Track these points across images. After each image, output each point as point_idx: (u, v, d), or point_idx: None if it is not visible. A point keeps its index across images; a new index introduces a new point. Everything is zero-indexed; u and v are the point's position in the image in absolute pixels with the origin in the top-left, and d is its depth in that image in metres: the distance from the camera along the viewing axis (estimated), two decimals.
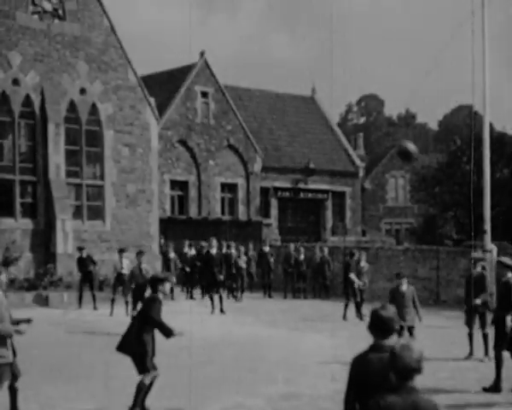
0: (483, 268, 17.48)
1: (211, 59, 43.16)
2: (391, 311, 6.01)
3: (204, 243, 29.22)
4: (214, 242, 25.49)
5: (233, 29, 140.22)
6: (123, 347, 11.21)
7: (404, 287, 16.54)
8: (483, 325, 16.38)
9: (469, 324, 16.60)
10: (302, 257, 31.84)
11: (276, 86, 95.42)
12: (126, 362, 10.91)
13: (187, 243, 32.49)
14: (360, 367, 5.92)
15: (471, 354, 16.52)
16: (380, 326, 5.95)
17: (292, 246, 32.76)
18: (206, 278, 25.62)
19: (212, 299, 24.40)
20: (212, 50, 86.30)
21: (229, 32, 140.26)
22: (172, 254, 30.47)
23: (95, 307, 25.10)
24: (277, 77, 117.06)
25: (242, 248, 31.26)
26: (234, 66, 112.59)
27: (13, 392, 10.55)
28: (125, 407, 11.10)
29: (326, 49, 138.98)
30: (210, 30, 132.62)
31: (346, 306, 23.49)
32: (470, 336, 16.58)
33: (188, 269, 30.71)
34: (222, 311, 24.22)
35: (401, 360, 5.11)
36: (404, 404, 5.07)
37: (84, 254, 26.39)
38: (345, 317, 23.22)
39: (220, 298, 24.45)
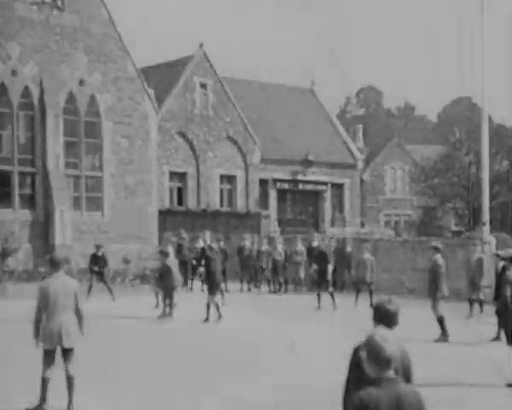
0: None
1: (210, 50, 43.18)
2: (396, 304, 6.07)
3: (184, 235, 29.33)
4: (207, 235, 25.42)
5: (233, 21, 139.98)
6: None
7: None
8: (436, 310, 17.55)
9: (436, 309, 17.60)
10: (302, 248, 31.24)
11: (273, 77, 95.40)
12: (128, 356, 10.91)
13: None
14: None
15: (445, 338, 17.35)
16: (386, 319, 6.00)
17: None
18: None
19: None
20: (211, 42, 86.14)
21: (229, 24, 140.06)
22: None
23: (113, 299, 24.67)
24: (276, 68, 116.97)
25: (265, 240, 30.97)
26: (232, 57, 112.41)
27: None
28: (124, 394, 11.07)
29: (325, 42, 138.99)
30: (210, 21, 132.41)
31: (357, 295, 23.59)
32: (441, 320, 17.47)
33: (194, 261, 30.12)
34: (222, 303, 24.12)
35: (384, 351, 5.10)
36: (387, 396, 5.06)
37: (100, 253, 25.69)
38: (356, 305, 23.27)
39: (221, 291, 24.36)
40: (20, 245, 29.84)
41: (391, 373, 5.12)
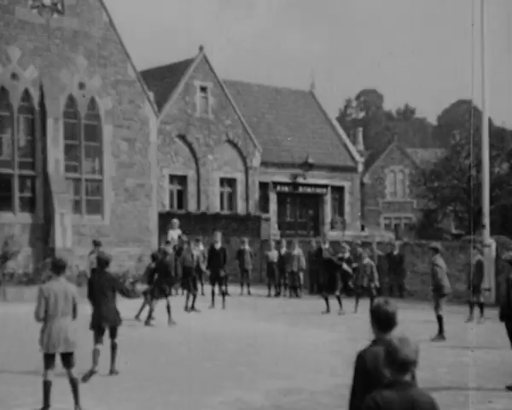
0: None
1: (211, 53, 43.20)
2: (394, 305, 6.01)
3: (185, 238, 29.28)
4: (218, 236, 25.20)
5: (233, 24, 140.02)
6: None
7: None
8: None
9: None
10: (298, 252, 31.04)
11: (275, 80, 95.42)
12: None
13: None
14: (367, 361, 5.89)
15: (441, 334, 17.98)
16: (385, 321, 5.94)
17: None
18: (211, 272, 25.19)
19: (213, 294, 24.30)
20: (212, 45, 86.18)
21: (230, 27, 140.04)
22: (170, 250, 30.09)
23: None
24: (276, 71, 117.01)
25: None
26: (231, 60, 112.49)
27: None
28: (124, 397, 11.07)
29: (326, 44, 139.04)
30: (211, 24, 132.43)
31: (357, 299, 23.48)
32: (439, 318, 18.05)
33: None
34: (223, 306, 24.08)
35: (399, 353, 5.08)
36: (401, 399, 5.04)
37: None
38: (356, 310, 23.17)
39: (223, 294, 24.34)
40: (20, 248, 29.81)
41: (407, 377, 5.10)
